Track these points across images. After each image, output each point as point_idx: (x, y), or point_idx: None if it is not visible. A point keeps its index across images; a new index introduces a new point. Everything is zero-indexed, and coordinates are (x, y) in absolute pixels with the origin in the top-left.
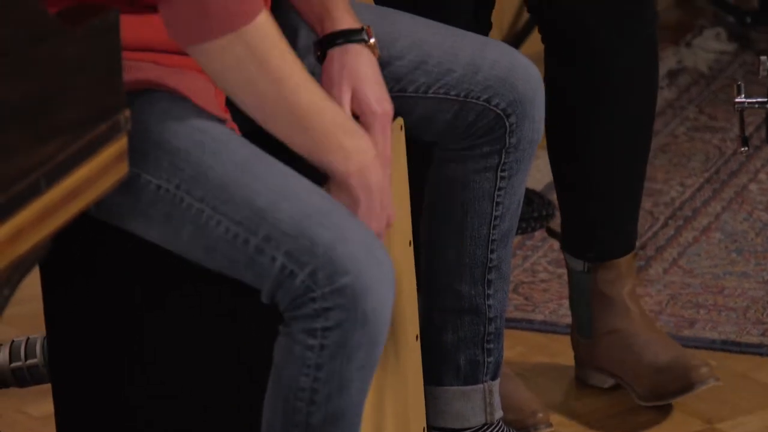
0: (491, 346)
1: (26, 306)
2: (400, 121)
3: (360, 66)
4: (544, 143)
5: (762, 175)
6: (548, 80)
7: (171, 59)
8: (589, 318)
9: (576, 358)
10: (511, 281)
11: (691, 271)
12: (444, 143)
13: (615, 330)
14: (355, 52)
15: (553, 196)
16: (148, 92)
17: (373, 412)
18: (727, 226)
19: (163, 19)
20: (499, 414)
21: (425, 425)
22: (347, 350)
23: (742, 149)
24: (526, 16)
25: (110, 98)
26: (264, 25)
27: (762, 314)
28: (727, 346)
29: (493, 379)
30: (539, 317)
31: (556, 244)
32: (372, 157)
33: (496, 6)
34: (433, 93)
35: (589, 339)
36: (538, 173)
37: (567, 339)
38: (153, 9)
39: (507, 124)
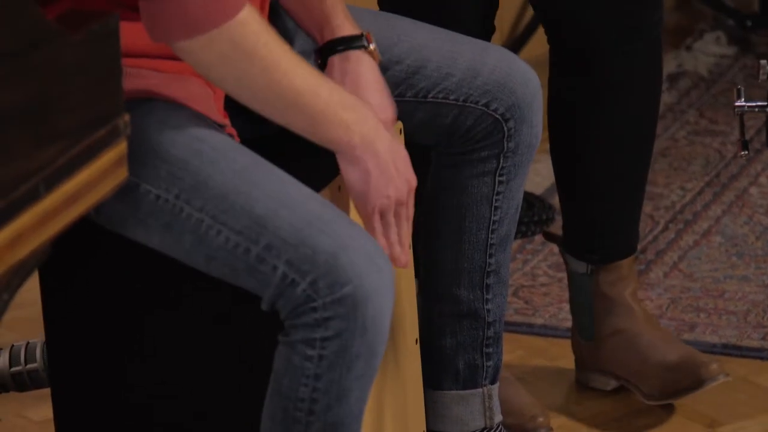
0: (490, 350)
1: (26, 310)
2: (399, 125)
3: (361, 73)
4: (544, 147)
5: (762, 179)
6: (551, 81)
7: (170, 65)
8: (590, 320)
9: (577, 361)
10: (511, 285)
11: (691, 275)
12: (443, 147)
13: (619, 330)
14: (356, 58)
15: (554, 200)
16: (146, 101)
17: (372, 417)
18: (728, 230)
19: (143, 18)
20: (498, 418)
21: (425, 429)
22: (346, 360)
23: (743, 153)
24: (526, 20)
25: (109, 103)
26: (247, 20)
27: (762, 318)
28: (728, 350)
29: (493, 383)
30: (539, 321)
31: (556, 248)
32: (375, 125)
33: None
34: (432, 97)
35: (591, 341)
36: (538, 177)
37: (567, 342)
38: None
39: (505, 128)
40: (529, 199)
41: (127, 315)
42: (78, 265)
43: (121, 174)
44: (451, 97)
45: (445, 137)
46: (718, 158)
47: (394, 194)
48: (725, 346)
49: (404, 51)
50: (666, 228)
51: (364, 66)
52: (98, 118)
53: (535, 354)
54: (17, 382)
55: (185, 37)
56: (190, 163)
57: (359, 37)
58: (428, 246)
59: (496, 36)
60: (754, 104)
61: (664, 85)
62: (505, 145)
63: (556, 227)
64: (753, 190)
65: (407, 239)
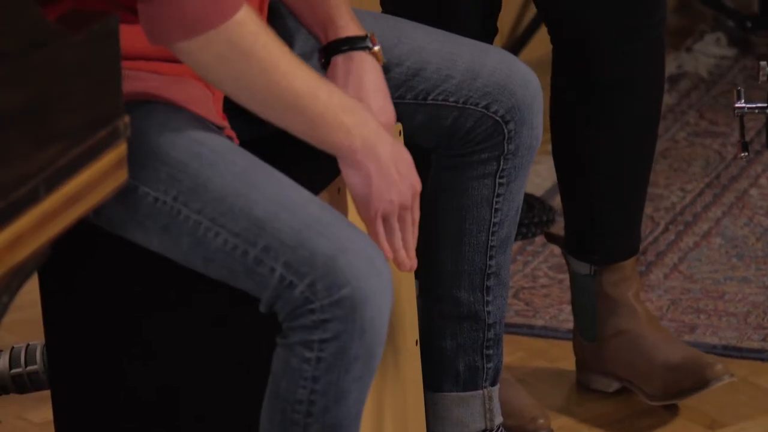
0: (490, 352)
1: (26, 312)
2: (398, 127)
3: (364, 74)
4: (545, 148)
5: (762, 180)
6: (553, 81)
7: (169, 67)
8: (593, 321)
9: (578, 362)
10: (512, 287)
11: (691, 277)
12: (442, 150)
13: (622, 331)
14: (360, 59)
15: (554, 202)
16: (145, 103)
17: (372, 418)
18: (728, 231)
19: (141, 20)
20: (498, 420)
21: (425, 431)
22: (344, 362)
23: (743, 154)
24: (526, 21)
25: (110, 104)
26: (244, 20)
27: (763, 319)
28: (728, 352)
29: (493, 385)
30: (540, 322)
31: (557, 250)
32: (375, 129)
33: None
34: (431, 100)
35: (593, 342)
36: (539, 178)
37: (568, 344)
38: None
39: (505, 130)
40: (529, 200)
41: (127, 317)
42: (77, 267)
43: (121, 176)
44: (451, 99)
45: (445, 139)
46: (718, 159)
47: (397, 198)
48: (725, 347)
49: (404, 53)
50: (666, 229)
51: (367, 67)
52: (98, 119)
53: (536, 355)
54: (17, 384)
55: (183, 38)
56: (189, 166)
57: (364, 38)
58: (428, 248)
59: (496, 37)
60: (754, 106)
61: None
62: (506, 147)
63: (557, 229)
64: (753, 192)
65: (413, 243)
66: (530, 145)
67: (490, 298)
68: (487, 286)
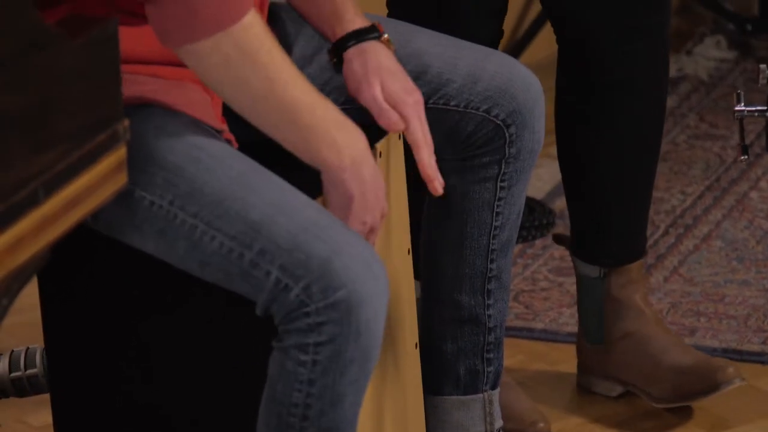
0: (491, 355)
1: (25, 315)
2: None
3: (381, 60)
4: (546, 151)
5: (762, 183)
6: (558, 82)
7: (169, 71)
8: (599, 324)
9: (580, 365)
10: (512, 290)
11: (691, 279)
12: (444, 153)
13: (629, 333)
14: (372, 48)
15: (555, 205)
16: (144, 107)
17: (372, 422)
18: (728, 234)
19: (150, 22)
20: (499, 423)
21: None
22: (340, 365)
23: (742, 157)
24: (527, 23)
25: (109, 108)
26: (252, 24)
27: (763, 322)
28: (728, 355)
29: (493, 388)
30: (540, 326)
31: (557, 253)
32: (364, 150)
33: None
34: (432, 103)
35: (599, 345)
36: (540, 181)
37: (568, 347)
38: None
39: (507, 134)
40: (530, 203)
41: (125, 320)
42: (77, 271)
43: (121, 179)
44: (452, 103)
45: (446, 143)
46: (718, 162)
47: (370, 221)
48: (725, 350)
49: (405, 56)
50: (666, 232)
51: (381, 54)
52: (98, 122)
53: (536, 359)
54: (17, 388)
55: (193, 40)
56: (186, 170)
57: (371, 29)
58: (430, 251)
59: None
60: (754, 108)
61: None
62: (507, 150)
63: (558, 231)
64: (753, 195)
65: None
66: (531, 148)
67: (491, 302)
68: (488, 289)
